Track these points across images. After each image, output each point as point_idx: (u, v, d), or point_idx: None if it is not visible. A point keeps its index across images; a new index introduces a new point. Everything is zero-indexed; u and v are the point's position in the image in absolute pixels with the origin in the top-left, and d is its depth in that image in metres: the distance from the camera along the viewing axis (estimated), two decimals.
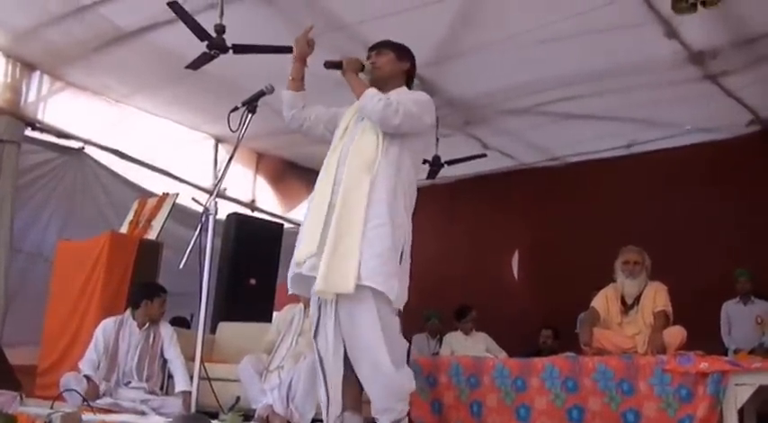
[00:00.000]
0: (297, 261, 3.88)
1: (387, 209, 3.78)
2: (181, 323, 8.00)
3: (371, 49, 4.24)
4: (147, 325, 6.18)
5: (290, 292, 4.08)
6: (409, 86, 4.21)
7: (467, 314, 8.37)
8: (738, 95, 8.09)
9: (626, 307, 6.11)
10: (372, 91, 3.94)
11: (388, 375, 3.72)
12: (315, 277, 3.73)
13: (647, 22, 6.69)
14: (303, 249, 3.85)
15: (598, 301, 6.20)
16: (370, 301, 3.68)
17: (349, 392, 3.85)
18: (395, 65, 4.17)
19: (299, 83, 4.27)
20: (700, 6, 6.05)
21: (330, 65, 4.14)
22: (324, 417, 3.89)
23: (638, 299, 6.09)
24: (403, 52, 4.23)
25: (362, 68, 4.12)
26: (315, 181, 4.04)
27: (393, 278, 3.71)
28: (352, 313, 3.73)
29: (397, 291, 3.71)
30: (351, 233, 3.72)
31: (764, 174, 8.32)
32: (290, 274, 3.97)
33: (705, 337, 6.62)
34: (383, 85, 4.07)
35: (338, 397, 3.84)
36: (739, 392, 4.44)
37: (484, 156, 9.80)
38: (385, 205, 3.78)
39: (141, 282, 6.77)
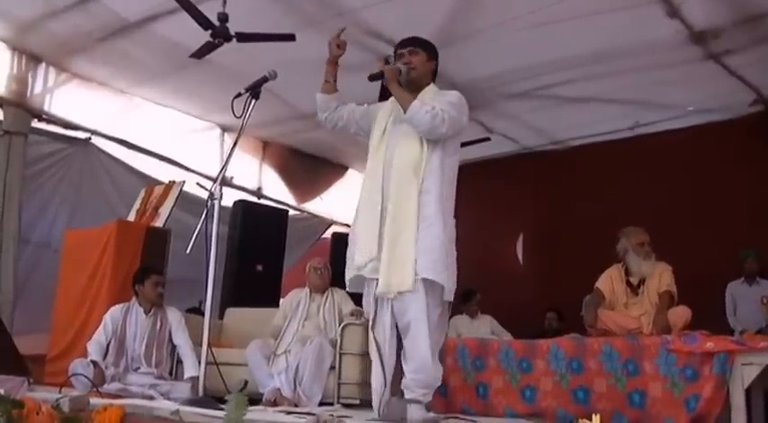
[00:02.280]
0: (358, 265, 4.11)
1: (435, 209, 4.00)
2: (196, 312, 7.99)
3: (403, 45, 4.32)
4: (153, 310, 6.20)
5: (348, 290, 4.36)
6: (433, 82, 4.33)
7: (471, 298, 8.40)
8: (741, 75, 8.03)
9: (632, 288, 6.13)
10: (418, 103, 4.05)
11: (423, 363, 3.93)
12: (374, 279, 4.03)
13: (648, 2, 6.65)
14: (363, 254, 4.08)
15: (603, 283, 6.21)
16: (420, 293, 3.92)
17: (397, 380, 4.04)
18: (426, 65, 4.29)
19: (331, 85, 4.38)
20: None
21: (374, 77, 4.20)
22: (375, 400, 4.08)
23: (643, 279, 6.12)
24: (432, 51, 4.34)
25: (400, 73, 4.19)
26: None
27: (446, 271, 3.97)
28: (404, 305, 3.96)
29: (450, 283, 3.98)
30: (405, 236, 3.96)
31: None
32: (348, 276, 4.21)
33: (710, 318, 6.63)
34: (417, 85, 4.22)
35: (389, 384, 4.08)
36: (746, 372, 4.42)
37: (488, 140, 9.82)
38: (434, 207, 4.00)
39: None
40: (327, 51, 4.37)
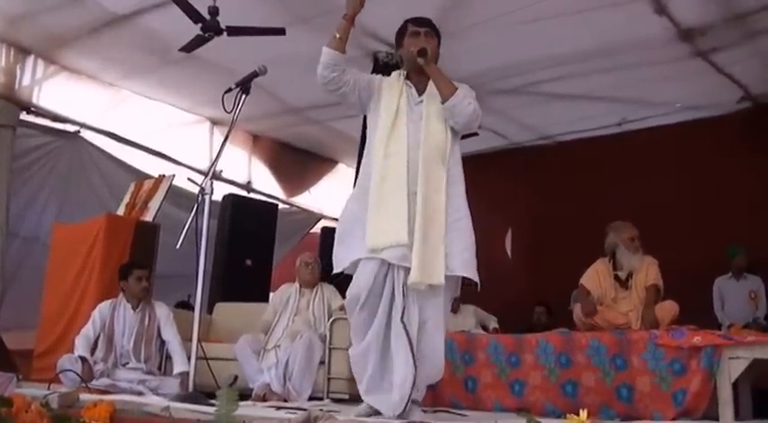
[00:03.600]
0: (373, 247, 3.78)
1: (463, 202, 3.94)
2: (185, 307, 7.96)
3: (419, 24, 4.11)
4: (141, 306, 6.17)
5: (339, 271, 3.98)
6: None
7: None
8: (729, 72, 8.07)
9: (621, 282, 6.14)
10: (462, 92, 3.93)
11: (436, 361, 3.87)
12: (401, 266, 3.77)
13: None
14: (386, 236, 3.78)
15: (588, 279, 6.20)
16: (441, 290, 3.80)
17: None
18: (436, 51, 4.10)
19: (344, 43, 3.94)
20: None
21: (420, 53, 3.95)
22: (401, 396, 3.76)
23: (631, 273, 6.13)
24: (440, 39, 4.17)
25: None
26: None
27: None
28: (424, 300, 3.82)
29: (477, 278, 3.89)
30: (436, 225, 3.79)
31: (755, 150, 8.32)
32: (350, 257, 3.89)
33: (698, 313, 6.64)
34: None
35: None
36: (733, 366, 4.42)
37: (476, 135, 9.81)
38: (462, 199, 3.94)
39: None
40: (348, 7, 3.97)
